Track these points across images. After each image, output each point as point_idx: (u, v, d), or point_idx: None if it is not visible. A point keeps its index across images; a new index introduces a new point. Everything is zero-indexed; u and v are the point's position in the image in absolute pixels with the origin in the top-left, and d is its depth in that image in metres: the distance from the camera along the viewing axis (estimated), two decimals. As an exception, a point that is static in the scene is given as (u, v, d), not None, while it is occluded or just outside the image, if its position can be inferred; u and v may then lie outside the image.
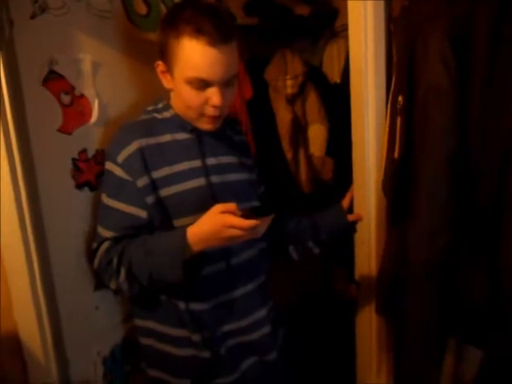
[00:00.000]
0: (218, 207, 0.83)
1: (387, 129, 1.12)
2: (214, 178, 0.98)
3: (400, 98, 1.09)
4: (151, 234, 0.93)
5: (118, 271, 0.91)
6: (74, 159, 1.03)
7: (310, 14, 1.76)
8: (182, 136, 0.98)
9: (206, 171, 0.97)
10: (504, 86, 0.93)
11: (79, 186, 1.05)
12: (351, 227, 1.14)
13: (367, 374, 1.34)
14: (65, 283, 1.02)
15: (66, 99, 1.01)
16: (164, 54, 0.92)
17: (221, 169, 1.00)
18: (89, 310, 1.09)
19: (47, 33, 0.97)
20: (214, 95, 0.90)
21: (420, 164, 1.05)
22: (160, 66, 0.95)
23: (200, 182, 0.96)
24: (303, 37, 1.86)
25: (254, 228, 0.80)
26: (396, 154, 1.10)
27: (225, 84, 0.91)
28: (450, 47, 0.98)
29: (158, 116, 1.00)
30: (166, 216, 0.94)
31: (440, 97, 1.00)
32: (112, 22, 1.11)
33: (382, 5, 1.12)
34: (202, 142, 0.99)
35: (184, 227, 0.86)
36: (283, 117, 1.73)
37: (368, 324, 1.30)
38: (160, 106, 1.02)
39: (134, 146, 0.93)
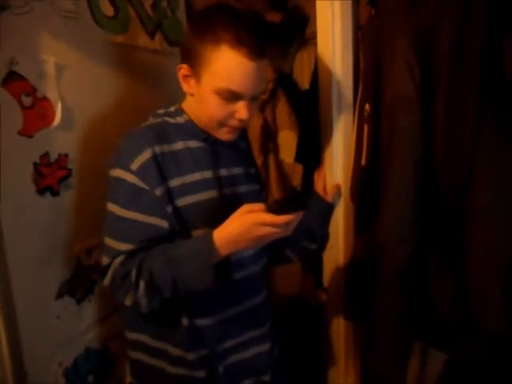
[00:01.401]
0: (245, 207, 0.78)
1: (355, 136, 1.13)
2: (226, 190, 0.95)
3: (367, 106, 1.11)
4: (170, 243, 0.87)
5: (137, 284, 0.83)
6: (35, 163, 0.99)
7: (281, 22, 1.77)
8: (194, 144, 0.94)
9: (218, 183, 0.94)
10: (465, 95, 0.95)
11: (40, 192, 1.01)
12: (334, 206, 1.17)
13: (336, 376, 1.35)
14: (24, 292, 0.97)
15: (27, 101, 0.97)
16: (192, 58, 0.86)
17: (232, 180, 0.97)
18: (50, 320, 1.05)
19: (7, 32, 0.93)
20: (242, 109, 0.86)
21: (387, 170, 1.06)
22: (184, 69, 0.90)
23: (212, 193, 0.92)
24: (274, 44, 1.86)
25: (287, 224, 0.75)
26: (363, 161, 1.11)
27: (253, 98, 0.88)
28: (416, 55, 1.00)
29: (171, 120, 0.95)
30: (184, 226, 0.89)
31: (406, 104, 1.01)
32: (77, 24, 1.09)
33: (349, 13, 1.13)
34: (214, 151, 0.95)
35: (209, 231, 0.81)
36: (253, 123, 1.72)
37: (336, 328, 1.30)
38: (172, 109, 0.97)
39: (147, 152, 0.86)
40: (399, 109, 1.02)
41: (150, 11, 1.30)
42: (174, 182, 0.89)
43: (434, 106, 1.00)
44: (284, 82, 1.75)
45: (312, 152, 1.31)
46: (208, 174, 0.93)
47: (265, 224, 0.75)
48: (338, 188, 1.16)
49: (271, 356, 1.04)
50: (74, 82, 1.07)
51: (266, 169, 1.71)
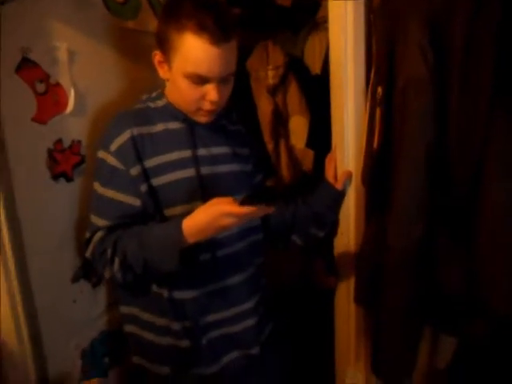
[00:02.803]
0: (214, 200, 0.84)
1: (366, 120, 1.12)
2: (204, 169, 0.98)
3: (379, 90, 1.09)
4: (145, 225, 0.94)
5: (112, 261, 0.91)
6: (49, 149, 1.01)
7: (291, 5, 1.75)
8: (174, 125, 0.99)
9: (196, 162, 0.97)
10: (477, 85, 0.94)
11: (55, 177, 1.02)
12: (344, 193, 1.17)
13: (346, 361, 1.35)
14: (41, 277, 1.00)
15: (41, 87, 0.98)
16: (163, 45, 0.91)
17: (212, 160, 1.00)
18: (66, 304, 1.08)
19: (20, 19, 0.94)
20: (211, 91, 0.90)
21: (399, 154, 1.05)
22: (157, 55, 0.95)
23: (189, 172, 0.96)
24: (285, 28, 1.85)
25: (250, 215, 0.82)
26: (375, 145, 1.11)
27: (222, 80, 0.92)
28: (429, 38, 0.98)
29: (152, 105, 1.01)
30: (157, 205, 0.94)
31: (419, 88, 1.00)
32: (89, 10, 1.08)
33: (362, -4, 1.12)
34: (193, 132, 0.99)
35: (179, 218, 0.87)
36: (264, 108, 1.72)
37: (346, 314, 1.31)
38: (154, 94, 1.02)
39: (126, 134, 0.93)
40: (412, 91, 1.01)
41: (160, -4, 1.30)
42: (151, 162, 0.94)
43: (447, 90, 0.98)
44: (295, 66, 1.74)
45: (323, 137, 1.31)
46: (186, 154, 0.97)
47: (230, 215, 0.81)
48: (348, 174, 1.15)
49: (259, 331, 1.07)
50: (86, 68, 1.08)
51: (277, 154, 1.71)
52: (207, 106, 0.93)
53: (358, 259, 1.23)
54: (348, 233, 1.21)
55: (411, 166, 1.03)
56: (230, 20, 0.89)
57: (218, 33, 0.85)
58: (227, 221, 0.82)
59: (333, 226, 1.21)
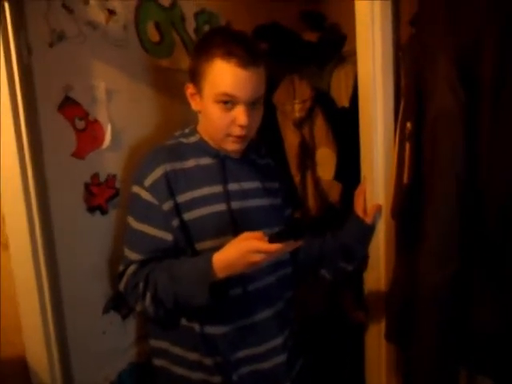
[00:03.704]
0: (244, 235, 0.85)
1: (396, 154, 1.13)
2: (235, 204, 1.00)
3: (408, 125, 1.10)
4: (176, 258, 0.95)
5: (144, 295, 0.92)
6: (86, 183, 1.05)
7: (318, 41, 1.79)
8: (205, 161, 1.01)
9: (227, 197, 0.99)
10: (510, 112, 0.93)
11: (91, 210, 1.06)
12: (374, 227, 1.16)
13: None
14: (74, 307, 1.02)
15: (81, 124, 1.03)
16: (195, 76, 0.96)
17: (242, 194, 1.02)
18: (96, 335, 1.09)
19: (64, 60, 1.00)
20: (240, 115, 0.93)
21: (430, 188, 1.05)
22: (190, 88, 0.99)
23: (221, 207, 0.98)
24: (311, 62, 1.89)
25: (279, 252, 0.82)
26: (405, 179, 1.10)
27: (251, 104, 0.94)
28: (458, 72, 0.99)
29: (184, 141, 1.03)
30: (188, 239, 0.96)
31: (449, 122, 1.00)
32: (126, 50, 1.15)
33: (389, 32, 1.14)
34: (224, 167, 1.01)
35: (209, 253, 0.88)
36: (291, 140, 1.74)
37: (377, 350, 1.27)
38: (187, 131, 1.06)
39: (160, 170, 0.95)
40: (442, 124, 1.01)
41: (193, 35, 1.36)
42: (183, 197, 0.96)
43: (478, 125, 0.98)
44: (321, 99, 1.76)
45: (351, 169, 1.32)
46: (217, 189, 0.99)
47: (259, 251, 0.82)
48: (378, 208, 1.15)
49: (290, 367, 1.06)
50: (123, 105, 1.13)
51: (304, 186, 1.71)
52: (236, 131, 0.95)
53: (388, 295, 1.20)
54: (378, 267, 1.19)
55: (443, 199, 1.02)
56: (257, 49, 0.95)
57: (245, 57, 0.89)
58: (256, 257, 0.83)
59: (362, 260, 1.19)
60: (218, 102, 0.92)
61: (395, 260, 1.17)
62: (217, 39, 0.92)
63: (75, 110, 1.02)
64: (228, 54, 0.89)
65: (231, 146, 0.99)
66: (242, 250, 0.83)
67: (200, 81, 0.94)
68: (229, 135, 0.96)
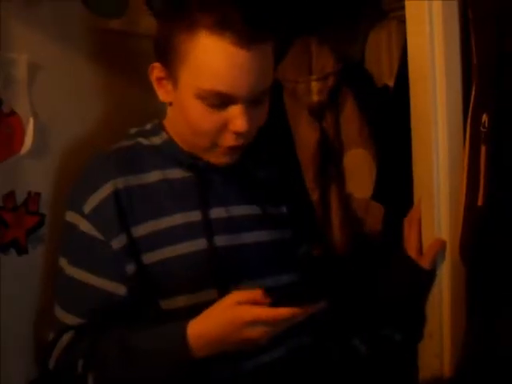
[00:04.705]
0: (234, 296, 0.83)
1: (466, 163, 1.13)
2: (220, 240, 0.99)
3: (484, 117, 1.11)
4: (133, 324, 0.93)
5: (84, 379, 0.90)
6: (-5, 208, 1.04)
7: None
8: (175, 174, 1.01)
9: (208, 228, 0.99)
10: None
11: (3, 248, 1.05)
12: (434, 274, 1.13)
13: None
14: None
15: (-13, 119, 1.03)
16: (165, 53, 0.94)
17: (232, 225, 1.02)
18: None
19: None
20: (237, 118, 0.91)
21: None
22: (156, 69, 0.98)
23: (199, 244, 0.98)
24: (336, 18, 1.90)
25: (288, 321, 0.80)
26: (480, 201, 1.11)
27: (253, 101, 0.93)
28: None
29: (144, 142, 1.03)
30: (150, 293, 0.95)
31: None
32: (59, 6, 1.14)
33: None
34: (205, 183, 1.01)
35: (183, 322, 0.85)
36: (306, 137, 1.74)
37: None
38: (148, 127, 1.05)
39: (107, 188, 0.95)
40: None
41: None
42: (143, 229, 0.96)
43: None
44: (351, 75, 1.77)
45: (398, 184, 1.32)
46: (194, 217, 0.99)
47: (257, 322, 0.79)
48: (440, 245, 1.14)
49: None
50: (52, 88, 1.13)
51: (325, 207, 1.71)
52: (229, 140, 0.94)
53: (455, 372, 1.21)
54: (441, 335, 1.19)
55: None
56: (263, 11, 0.92)
57: (245, 29, 0.86)
58: (254, 333, 0.81)
59: (417, 325, 1.19)
60: (203, 98, 0.90)
61: (466, 324, 1.17)
62: None
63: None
64: (220, 24, 0.86)
65: (219, 160, 0.99)
66: (231, 322, 0.81)
67: (174, 62, 0.92)
68: (217, 145, 0.96)
